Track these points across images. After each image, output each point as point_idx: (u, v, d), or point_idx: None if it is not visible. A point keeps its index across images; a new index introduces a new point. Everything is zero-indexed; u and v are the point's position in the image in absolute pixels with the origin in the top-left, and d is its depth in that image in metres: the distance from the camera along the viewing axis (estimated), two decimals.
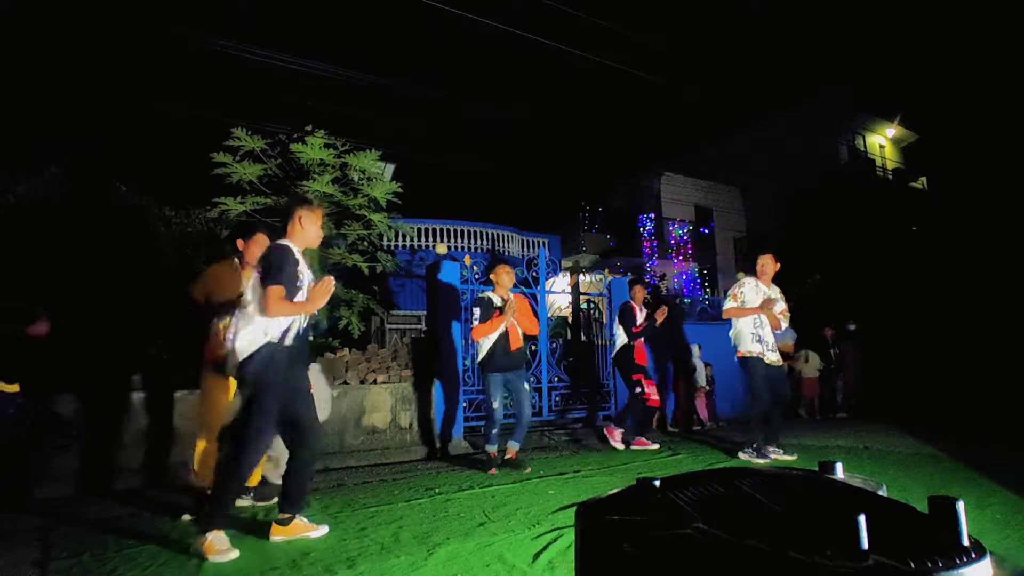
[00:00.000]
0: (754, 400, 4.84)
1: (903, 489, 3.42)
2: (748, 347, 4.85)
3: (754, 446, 4.78)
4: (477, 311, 4.69)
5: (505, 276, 4.81)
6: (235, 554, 2.51)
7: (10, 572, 2.42)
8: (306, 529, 2.81)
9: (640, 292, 6.07)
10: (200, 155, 6.07)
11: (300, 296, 2.76)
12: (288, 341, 2.72)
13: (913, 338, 10.58)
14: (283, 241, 2.84)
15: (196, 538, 2.56)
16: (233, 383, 3.07)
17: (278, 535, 2.76)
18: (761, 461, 4.67)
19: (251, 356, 2.65)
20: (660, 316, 5.77)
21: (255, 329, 2.67)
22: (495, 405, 4.61)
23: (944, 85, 20.94)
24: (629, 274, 10.41)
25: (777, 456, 4.80)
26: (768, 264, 4.98)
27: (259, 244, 3.49)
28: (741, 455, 4.86)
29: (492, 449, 4.68)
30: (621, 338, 5.84)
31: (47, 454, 4.07)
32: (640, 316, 5.89)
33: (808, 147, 19.68)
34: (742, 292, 4.97)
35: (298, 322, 2.78)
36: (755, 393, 4.82)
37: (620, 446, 5.59)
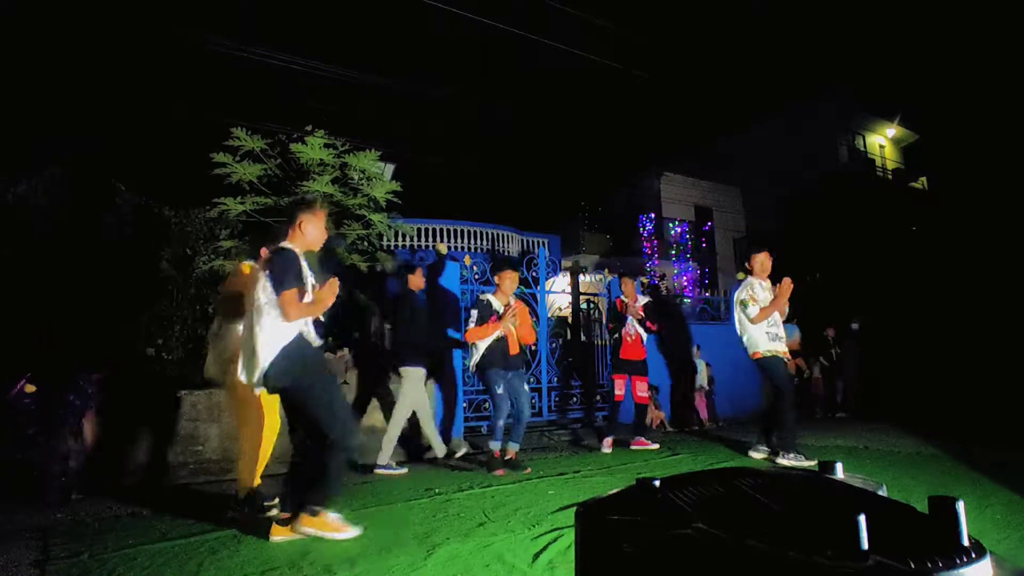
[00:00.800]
0: (781, 398, 4.67)
1: (903, 489, 3.42)
2: (766, 346, 4.74)
3: (794, 450, 4.58)
4: (475, 312, 4.69)
5: (508, 282, 4.76)
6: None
7: (9, 572, 2.42)
8: (332, 527, 2.80)
9: (628, 284, 5.95)
10: (200, 155, 6.07)
11: (307, 298, 2.81)
12: (302, 341, 2.78)
13: (913, 338, 10.59)
14: (284, 244, 2.87)
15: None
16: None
17: (278, 535, 2.76)
18: (807, 463, 4.44)
19: (272, 363, 2.69)
20: (639, 311, 5.76)
21: (272, 335, 2.71)
22: (499, 391, 4.52)
23: (944, 85, 20.95)
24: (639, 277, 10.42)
25: (769, 457, 4.76)
26: (766, 262, 4.93)
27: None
28: (783, 461, 4.57)
29: (496, 447, 4.58)
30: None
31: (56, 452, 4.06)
32: (631, 308, 5.82)
33: (808, 147, 19.68)
34: (755, 294, 4.85)
35: (309, 324, 2.84)
36: (781, 391, 4.68)
37: (608, 450, 5.45)
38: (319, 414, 2.77)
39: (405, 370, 4.79)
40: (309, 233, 2.95)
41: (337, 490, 2.85)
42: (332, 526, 2.75)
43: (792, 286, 4.79)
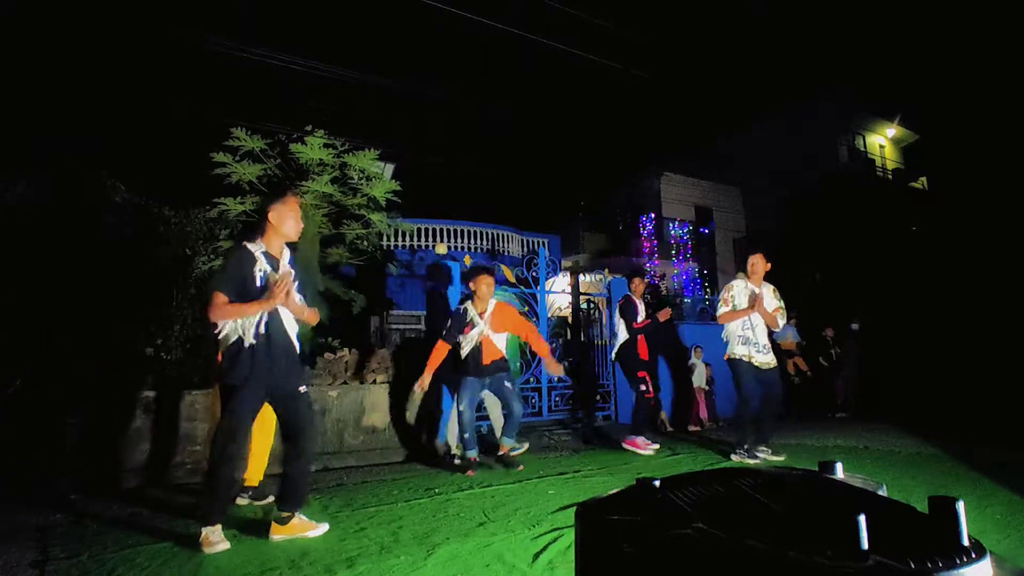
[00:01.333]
0: (741, 402, 4.84)
1: (903, 489, 3.42)
2: (734, 349, 4.86)
3: (745, 447, 4.78)
4: (448, 323, 4.58)
5: (485, 287, 4.53)
6: (225, 545, 2.60)
7: (9, 572, 2.42)
8: (305, 528, 2.81)
9: (639, 284, 5.93)
10: (200, 155, 6.06)
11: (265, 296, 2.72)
12: (257, 339, 2.69)
13: (913, 338, 10.59)
14: (243, 243, 2.81)
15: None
16: None
17: (278, 534, 2.76)
18: (751, 462, 4.68)
19: (223, 354, 2.72)
20: (663, 317, 5.74)
21: (227, 329, 2.72)
22: (462, 408, 4.47)
23: (944, 85, 20.95)
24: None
25: (767, 457, 4.81)
26: (758, 264, 4.94)
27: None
28: (734, 456, 4.83)
29: (472, 454, 4.51)
30: (622, 334, 5.70)
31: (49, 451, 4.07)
32: (641, 309, 5.80)
33: (808, 147, 19.69)
34: (732, 295, 4.94)
35: (270, 322, 2.73)
36: (742, 395, 4.83)
37: (650, 451, 5.35)
38: (278, 416, 2.82)
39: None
40: (282, 224, 2.83)
41: (301, 492, 2.86)
42: (303, 527, 2.80)
43: (777, 315, 4.87)
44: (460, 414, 4.51)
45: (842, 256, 14.92)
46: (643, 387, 5.52)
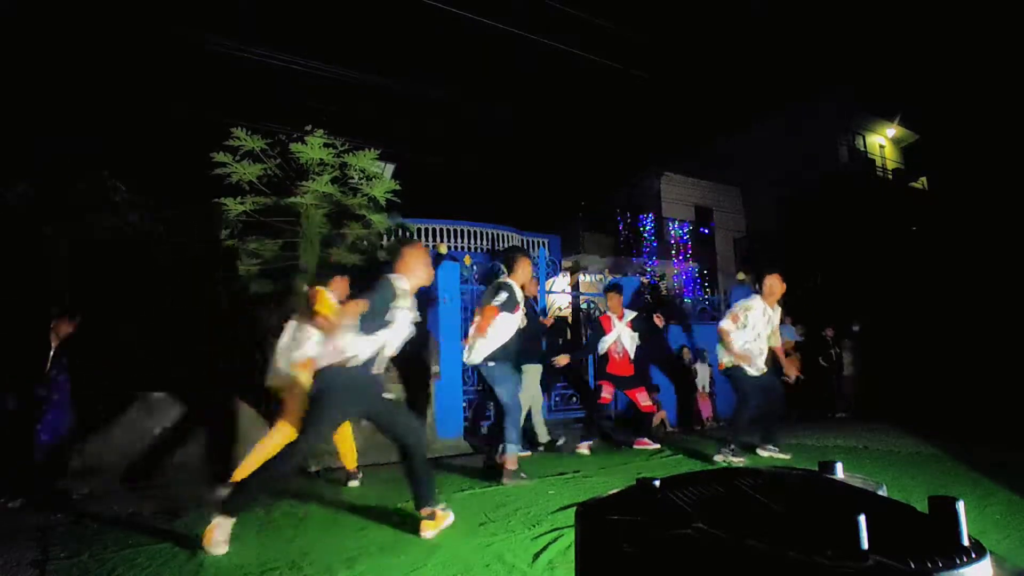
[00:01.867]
0: (740, 400, 4.82)
1: (903, 489, 3.42)
2: (730, 358, 4.82)
3: (731, 447, 4.73)
4: (504, 295, 4.08)
5: (530, 269, 4.43)
6: (225, 548, 2.59)
7: (9, 572, 2.42)
8: (445, 517, 2.86)
9: (614, 299, 5.79)
10: (200, 155, 6.07)
11: (382, 331, 2.83)
12: (362, 364, 2.80)
13: (913, 338, 10.58)
14: (388, 277, 2.93)
15: (209, 520, 2.65)
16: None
17: (428, 531, 2.77)
18: (736, 460, 4.66)
19: (319, 370, 2.81)
20: (659, 321, 5.76)
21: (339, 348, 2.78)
22: (519, 390, 4.22)
23: (944, 85, 20.94)
24: (637, 274, 10.41)
25: (773, 455, 4.83)
26: (776, 285, 4.85)
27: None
28: (717, 457, 4.74)
29: (516, 452, 4.08)
30: (603, 344, 5.75)
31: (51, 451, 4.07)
32: (616, 327, 5.68)
33: (808, 147, 19.67)
34: (748, 317, 4.78)
35: (380, 352, 2.86)
36: (743, 398, 4.80)
37: (586, 452, 5.34)
38: (377, 427, 2.97)
39: (525, 367, 5.20)
40: (417, 267, 2.99)
41: (430, 487, 2.89)
42: (444, 516, 2.85)
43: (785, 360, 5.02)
44: (516, 404, 4.16)
45: (842, 256, 14.91)
46: (596, 393, 5.79)
